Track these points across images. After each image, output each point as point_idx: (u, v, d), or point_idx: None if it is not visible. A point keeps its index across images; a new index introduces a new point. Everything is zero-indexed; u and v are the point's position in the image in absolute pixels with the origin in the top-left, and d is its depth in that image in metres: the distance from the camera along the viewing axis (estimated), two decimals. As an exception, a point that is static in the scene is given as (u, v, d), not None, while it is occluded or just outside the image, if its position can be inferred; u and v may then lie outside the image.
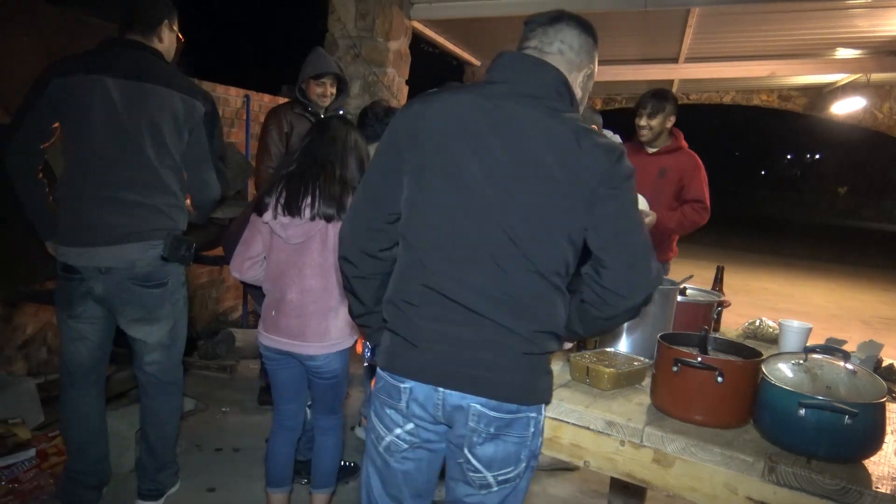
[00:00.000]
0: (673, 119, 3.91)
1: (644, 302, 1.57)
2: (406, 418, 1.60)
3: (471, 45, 7.75)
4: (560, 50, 1.65)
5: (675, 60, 8.15)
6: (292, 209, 2.42)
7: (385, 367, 1.62)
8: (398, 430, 1.62)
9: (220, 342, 4.60)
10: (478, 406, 1.54)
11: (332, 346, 2.53)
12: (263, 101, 5.89)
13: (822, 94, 10.57)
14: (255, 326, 5.61)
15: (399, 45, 5.23)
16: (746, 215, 26.57)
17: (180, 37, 2.72)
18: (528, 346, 1.54)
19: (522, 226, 1.49)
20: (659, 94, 3.86)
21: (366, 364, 1.78)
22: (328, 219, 2.44)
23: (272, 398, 3.24)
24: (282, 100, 6.19)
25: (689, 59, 7.96)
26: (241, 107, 5.57)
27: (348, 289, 1.72)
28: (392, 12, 5.04)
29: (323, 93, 3.74)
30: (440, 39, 7.09)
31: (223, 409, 3.75)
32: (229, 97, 5.45)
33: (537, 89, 1.57)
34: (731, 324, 2.84)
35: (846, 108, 9.81)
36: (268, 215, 2.47)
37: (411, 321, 1.56)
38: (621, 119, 10.30)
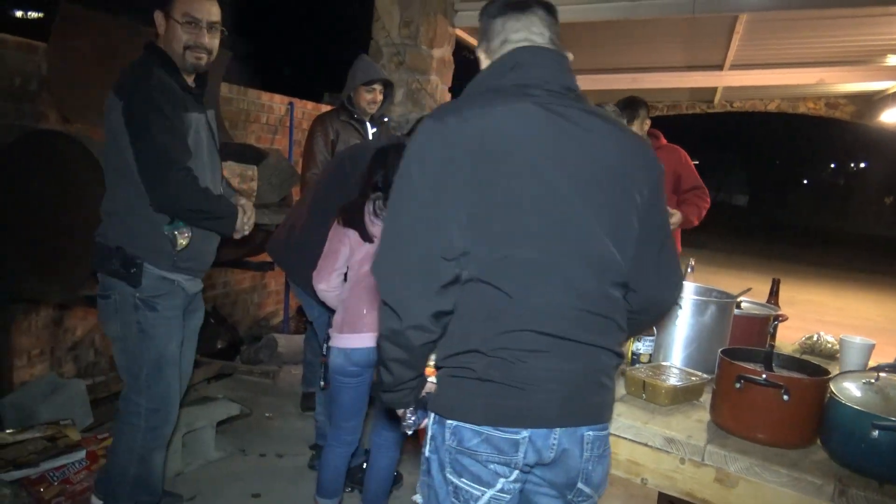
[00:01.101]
0: (648, 122, 4.12)
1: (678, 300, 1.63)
2: (513, 468, 1.42)
3: (512, 53, 7.70)
4: (552, 39, 1.54)
5: (719, 68, 8.01)
6: None
7: (487, 422, 1.39)
8: (501, 483, 1.43)
9: (263, 347, 4.63)
10: (591, 433, 1.46)
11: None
12: (306, 109, 5.95)
13: (872, 101, 10.32)
14: (297, 332, 5.69)
15: (442, 52, 5.22)
16: (789, 225, 26.06)
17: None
18: (618, 360, 1.50)
19: (612, 240, 1.43)
20: (630, 103, 3.98)
21: (410, 432, 1.63)
22: None
23: (316, 404, 3.26)
24: (325, 107, 6.25)
25: (735, 66, 7.82)
26: (284, 114, 5.62)
27: (403, 360, 1.45)
28: (436, 20, 5.03)
29: (373, 99, 3.75)
30: (482, 47, 7.06)
31: (266, 415, 3.77)
32: (273, 105, 5.51)
33: (576, 89, 1.51)
34: (781, 338, 2.75)
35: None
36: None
37: (513, 367, 1.37)
38: (662, 125, 10.18)
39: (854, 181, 52.57)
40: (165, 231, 2.32)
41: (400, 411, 1.61)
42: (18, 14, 17.42)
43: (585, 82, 9.08)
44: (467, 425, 1.40)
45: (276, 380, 4.26)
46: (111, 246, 2.34)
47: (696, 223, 4.02)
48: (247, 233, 2.56)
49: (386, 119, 3.99)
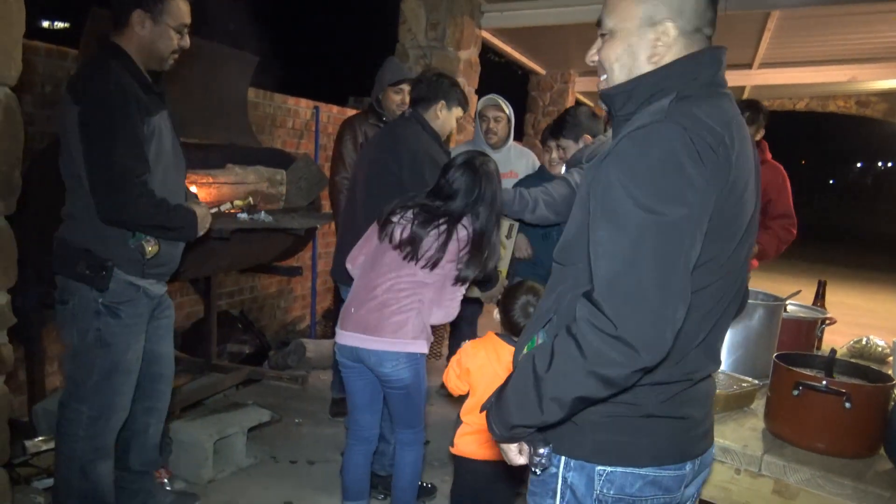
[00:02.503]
0: (762, 132, 3.76)
1: None
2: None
3: (537, 55, 7.66)
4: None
5: (748, 66, 7.90)
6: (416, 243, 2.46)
7: (653, 462, 1.25)
8: None
9: (292, 353, 4.60)
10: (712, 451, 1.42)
11: (401, 345, 2.48)
12: (332, 112, 5.92)
13: (904, 99, 10.13)
14: (324, 337, 5.66)
15: (469, 54, 5.19)
16: (816, 224, 25.68)
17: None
18: None
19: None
20: (752, 105, 3.71)
21: (540, 472, 1.27)
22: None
23: (347, 409, 3.22)
24: (350, 111, 6.22)
25: (765, 65, 7.70)
26: (310, 118, 5.60)
27: (592, 399, 1.17)
28: (463, 21, 5.00)
29: (402, 100, 3.71)
30: (506, 48, 7.03)
31: (297, 421, 3.73)
32: (299, 109, 5.49)
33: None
34: (825, 342, 2.65)
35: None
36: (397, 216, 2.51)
37: (690, 398, 1.27)
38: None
39: (882, 180, 51.69)
40: (131, 244, 2.25)
41: (522, 447, 1.29)
42: (45, 24, 17.66)
43: (611, 83, 9.07)
44: (629, 469, 1.24)
45: (306, 385, 4.23)
46: (77, 248, 2.23)
47: (773, 257, 3.71)
48: (205, 229, 2.46)
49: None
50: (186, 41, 2.33)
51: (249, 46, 4.29)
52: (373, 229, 2.59)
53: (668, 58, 1.25)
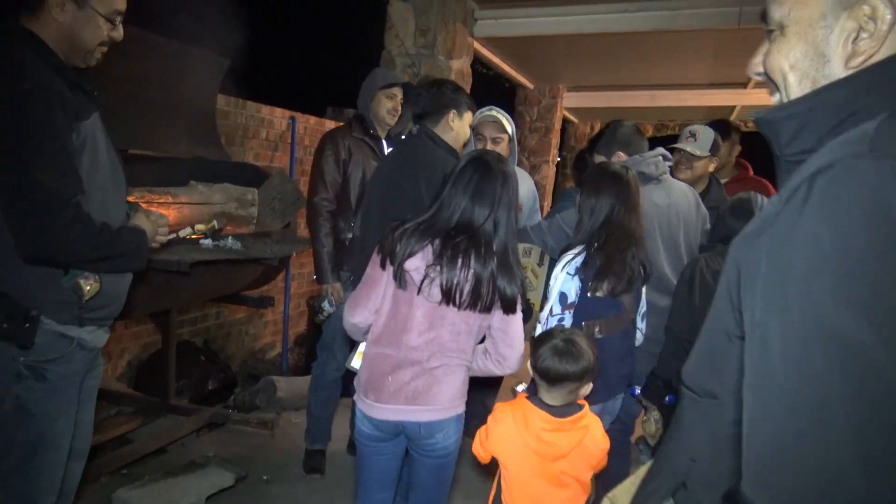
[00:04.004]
0: (738, 149, 3.79)
1: None
2: None
3: (526, 67, 7.30)
4: None
5: (743, 85, 7.64)
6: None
7: None
8: None
9: (260, 391, 4.12)
10: None
11: (453, 410, 2.10)
12: (309, 123, 5.47)
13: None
14: (297, 366, 5.19)
15: (461, 63, 4.78)
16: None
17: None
18: None
19: None
20: (721, 125, 3.72)
21: None
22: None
23: (322, 465, 2.77)
24: (328, 122, 5.79)
25: (761, 84, 7.41)
26: (286, 129, 5.15)
27: None
28: (455, 28, 4.59)
29: (394, 107, 3.28)
30: (495, 59, 6.65)
31: (265, 478, 3.24)
32: (274, 118, 5.03)
33: None
34: None
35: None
36: (414, 262, 2.02)
37: None
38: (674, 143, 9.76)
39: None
40: (64, 283, 1.76)
41: None
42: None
43: (601, 99, 8.76)
44: None
45: (276, 430, 3.74)
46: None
47: None
48: (162, 242, 2.01)
49: (403, 137, 3.51)
50: (119, 32, 1.84)
51: (220, 47, 3.84)
52: (376, 270, 2.10)
53: (877, 58, 0.82)
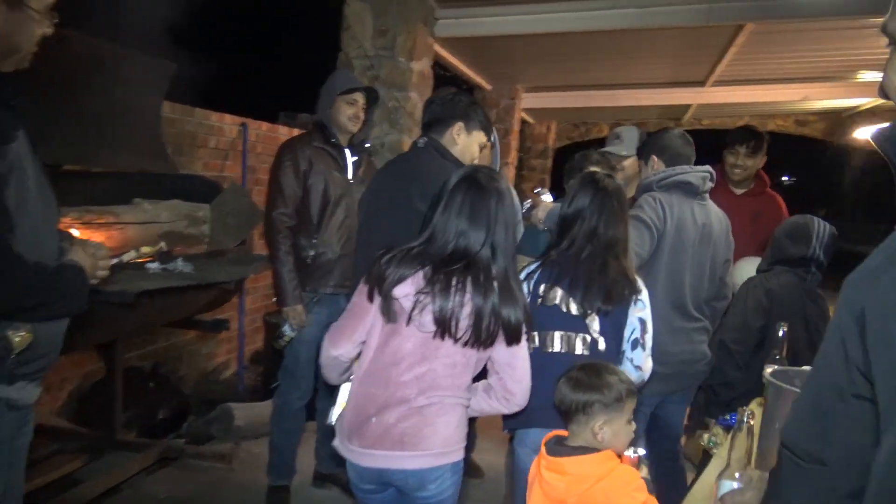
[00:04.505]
0: (764, 160, 3.60)
1: None
2: None
3: (484, 68, 7.12)
4: None
5: (701, 84, 7.60)
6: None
7: None
8: None
9: (216, 420, 3.83)
10: None
11: (449, 456, 1.87)
12: (261, 130, 5.19)
13: (842, 118, 10.14)
14: (255, 387, 4.90)
15: (422, 65, 4.56)
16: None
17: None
18: None
19: None
20: (758, 132, 3.56)
21: None
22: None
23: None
24: (281, 128, 5.52)
25: (718, 83, 7.41)
26: (236, 136, 4.87)
27: None
28: (416, 29, 4.36)
29: (355, 114, 3.05)
30: (453, 60, 6.45)
31: (224, 522, 2.98)
32: (224, 125, 4.75)
33: None
34: None
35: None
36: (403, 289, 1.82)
37: None
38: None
39: (784, 195, 53.99)
40: None
41: None
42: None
43: (558, 100, 8.65)
44: None
45: (234, 464, 3.47)
46: None
47: None
48: (103, 277, 1.75)
49: (367, 145, 3.28)
50: (49, 30, 1.58)
51: (166, 52, 3.56)
52: (363, 300, 1.90)
53: None
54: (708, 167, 2.72)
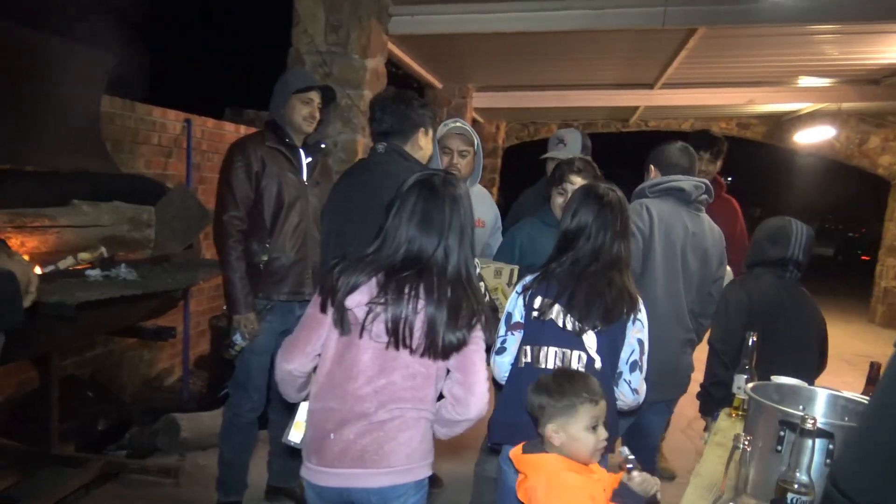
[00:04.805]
0: (721, 164, 3.70)
1: None
2: None
3: (437, 67, 7.05)
4: None
5: (650, 86, 7.70)
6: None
7: None
8: None
9: (161, 432, 3.64)
10: None
11: (413, 473, 1.78)
12: (207, 127, 4.99)
13: (781, 122, 10.43)
14: (201, 393, 4.70)
15: (376, 63, 4.45)
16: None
17: None
18: None
19: None
20: (719, 137, 3.68)
21: None
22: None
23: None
24: (227, 124, 5.32)
25: (666, 85, 7.51)
26: (180, 133, 4.66)
27: None
28: (370, 25, 4.25)
29: (310, 114, 2.92)
30: (405, 58, 6.36)
31: (171, 542, 2.83)
32: (167, 122, 4.54)
33: None
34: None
35: (812, 137, 9.62)
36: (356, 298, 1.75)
37: None
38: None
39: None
40: None
41: None
42: None
43: (508, 99, 8.65)
44: None
45: (180, 479, 3.30)
46: None
47: None
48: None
49: (323, 146, 3.15)
50: None
51: (105, 44, 3.35)
52: (316, 311, 1.81)
53: None
54: (704, 180, 2.77)
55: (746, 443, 1.30)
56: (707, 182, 2.76)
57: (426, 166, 2.51)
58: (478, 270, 2.31)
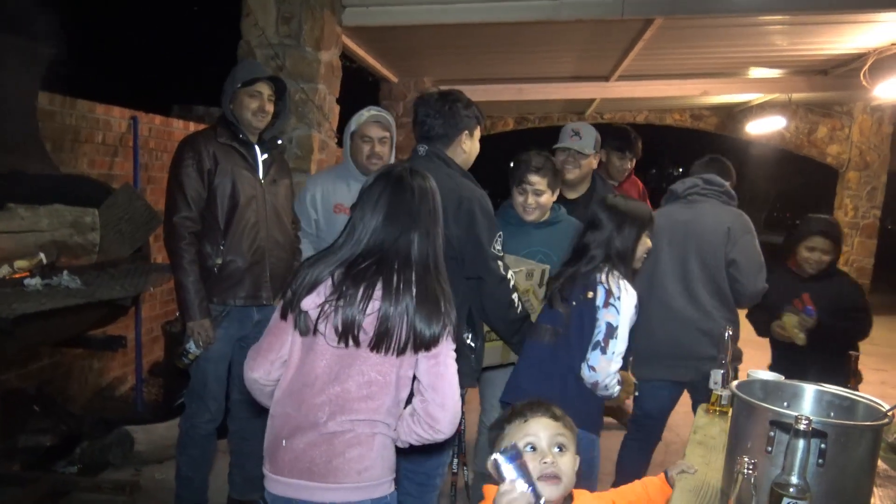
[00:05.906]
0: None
1: None
2: None
3: (392, 60, 6.92)
4: None
5: (605, 79, 7.71)
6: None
7: None
8: None
9: (114, 446, 3.46)
10: None
11: (366, 491, 1.68)
12: (154, 124, 4.80)
13: (733, 113, 10.59)
14: (156, 402, 4.52)
15: (330, 56, 4.31)
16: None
17: None
18: None
19: None
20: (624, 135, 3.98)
21: None
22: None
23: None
24: (175, 121, 5.13)
25: (622, 77, 7.53)
26: (126, 131, 4.47)
27: None
28: (323, 16, 4.11)
29: (260, 107, 2.77)
30: (359, 52, 6.21)
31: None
32: (112, 119, 4.34)
33: None
34: None
35: (763, 127, 9.79)
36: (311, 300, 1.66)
37: None
38: (534, 136, 9.83)
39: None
40: None
41: None
42: None
43: (469, 93, 8.52)
44: None
45: (135, 495, 3.14)
46: None
47: None
48: None
49: (280, 142, 3.02)
50: None
51: (40, 35, 3.16)
52: (277, 317, 1.73)
53: None
54: (699, 179, 3.12)
55: (751, 468, 1.20)
56: (697, 181, 3.09)
57: (467, 172, 2.47)
58: (509, 274, 2.33)
